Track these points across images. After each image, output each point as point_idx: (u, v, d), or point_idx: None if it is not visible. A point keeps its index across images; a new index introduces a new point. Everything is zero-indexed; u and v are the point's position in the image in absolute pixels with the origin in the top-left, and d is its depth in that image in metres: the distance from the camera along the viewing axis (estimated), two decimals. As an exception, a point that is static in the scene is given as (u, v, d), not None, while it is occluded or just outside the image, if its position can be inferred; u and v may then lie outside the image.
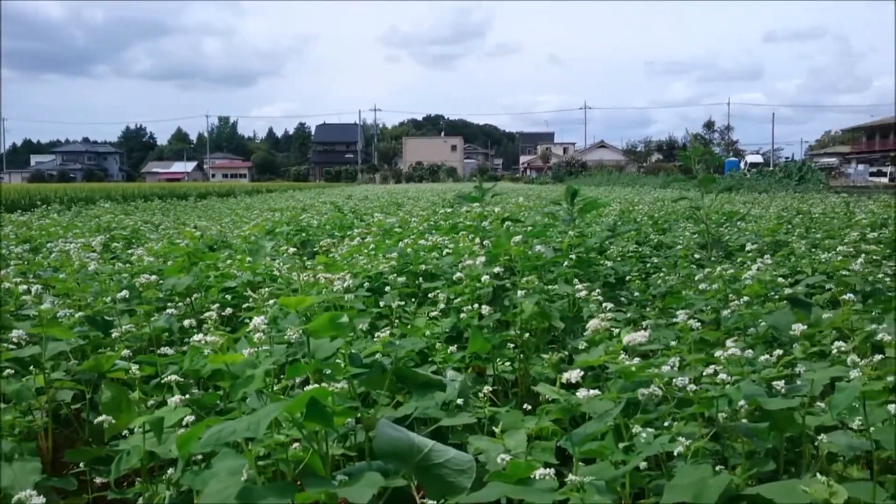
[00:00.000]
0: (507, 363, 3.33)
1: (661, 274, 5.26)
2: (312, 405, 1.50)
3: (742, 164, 73.42)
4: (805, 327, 2.35)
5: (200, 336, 1.80)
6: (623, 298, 4.84)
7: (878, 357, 1.83)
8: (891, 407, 1.63)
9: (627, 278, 5.56)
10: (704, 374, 2.05)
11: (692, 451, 2.00)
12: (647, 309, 5.00)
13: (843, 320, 3.01)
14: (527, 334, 3.49)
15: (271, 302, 2.92)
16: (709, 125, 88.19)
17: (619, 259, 6.99)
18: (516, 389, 3.42)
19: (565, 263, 4.12)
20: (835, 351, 2.12)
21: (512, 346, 3.44)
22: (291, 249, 3.68)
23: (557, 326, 3.62)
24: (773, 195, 23.74)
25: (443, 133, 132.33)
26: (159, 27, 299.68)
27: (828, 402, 1.94)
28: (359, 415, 2.77)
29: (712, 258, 5.97)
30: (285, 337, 1.91)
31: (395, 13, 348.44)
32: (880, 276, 3.94)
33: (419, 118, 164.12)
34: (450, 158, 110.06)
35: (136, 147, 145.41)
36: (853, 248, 6.99)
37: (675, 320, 3.93)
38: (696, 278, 3.92)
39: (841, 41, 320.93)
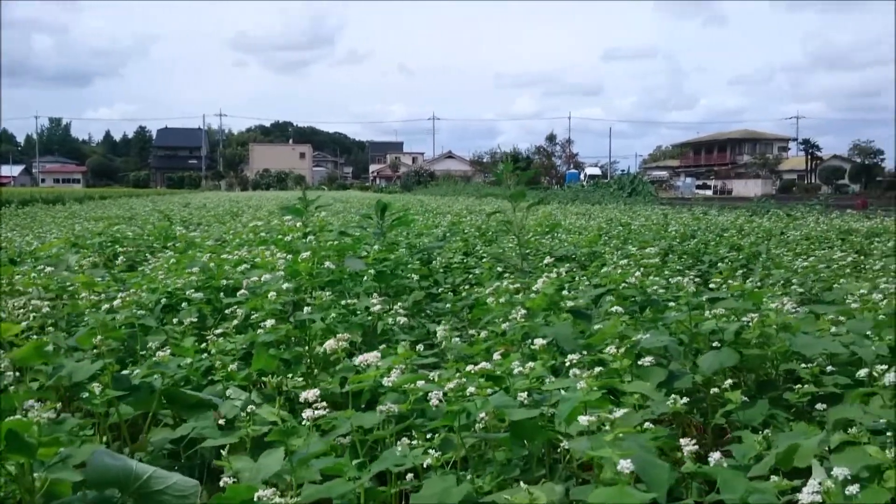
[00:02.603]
0: (300, 379, 3.33)
1: (468, 287, 5.44)
2: (11, 437, 1.46)
3: (582, 176, 76.64)
4: (545, 342, 2.50)
5: None
6: (429, 311, 4.96)
7: (598, 369, 1.98)
8: (591, 416, 1.77)
9: (440, 290, 5.71)
10: (450, 387, 2.14)
11: (442, 462, 2.09)
12: (458, 321, 5.17)
13: (611, 331, 3.23)
14: (320, 349, 3.52)
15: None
16: (551, 138, 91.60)
17: (441, 270, 7.16)
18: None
19: (365, 277, 4.18)
20: (567, 362, 2.27)
21: (307, 361, 3.46)
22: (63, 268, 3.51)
23: (355, 341, 3.66)
24: (605, 206, 24.97)
25: (291, 140, 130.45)
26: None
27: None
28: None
29: (525, 269, 6.22)
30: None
31: (243, 17, 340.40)
32: (654, 287, 4.23)
33: (267, 124, 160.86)
34: (298, 166, 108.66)
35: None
36: (656, 260, 7.49)
37: (471, 332, 4.09)
38: (488, 291, 4.08)
39: (671, 61, 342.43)
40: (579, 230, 11.57)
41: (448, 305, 5.14)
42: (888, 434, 2.03)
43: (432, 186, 70.15)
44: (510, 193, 5.94)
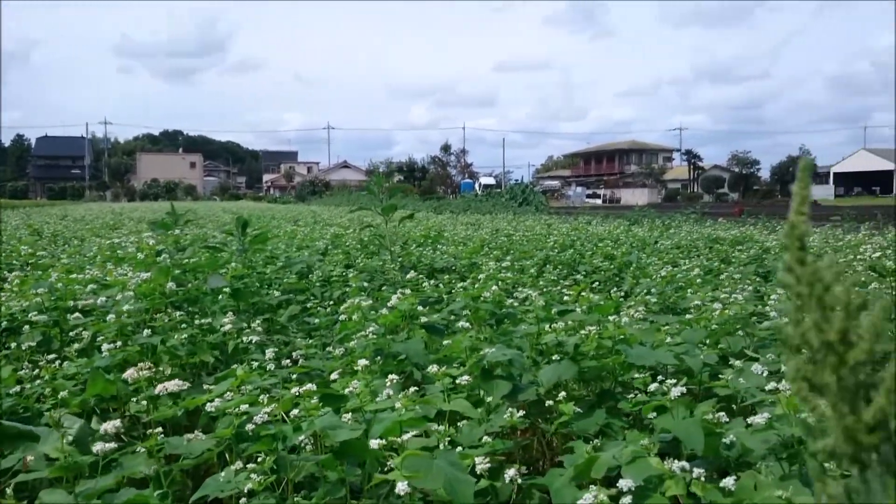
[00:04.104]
0: (144, 403, 3.24)
1: (332, 304, 5.41)
2: None
3: (476, 186, 77.54)
4: (367, 361, 2.52)
5: None
6: (293, 327, 4.91)
7: (413, 389, 2.02)
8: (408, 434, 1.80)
9: (310, 305, 5.66)
10: (267, 411, 2.13)
11: (266, 486, 2.08)
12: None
13: (458, 346, 3.28)
14: (169, 370, 3.43)
15: None
16: (446, 148, 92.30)
17: (318, 284, 7.11)
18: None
19: (220, 296, 4.11)
20: (388, 381, 2.30)
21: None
22: None
23: (207, 361, 3.60)
24: (495, 216, 25.28)
25: (181, 149, 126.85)
26: None
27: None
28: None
29: (399, 283, 6.24)
30: None
31: (128, 21, 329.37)
32: (510, 301, 4.33)
33: (156, 133, 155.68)
34: (189, 175, 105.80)
35: None
36: (533, 271, 7.66)
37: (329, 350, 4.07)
38: (342, 308, 4.08)
39: (563, 73, 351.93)
40: (464, 241, 11.67)
41: (317, 321, 5.10)
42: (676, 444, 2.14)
43: (327, 196, 69.53)
44: (383, 207, 5.96)
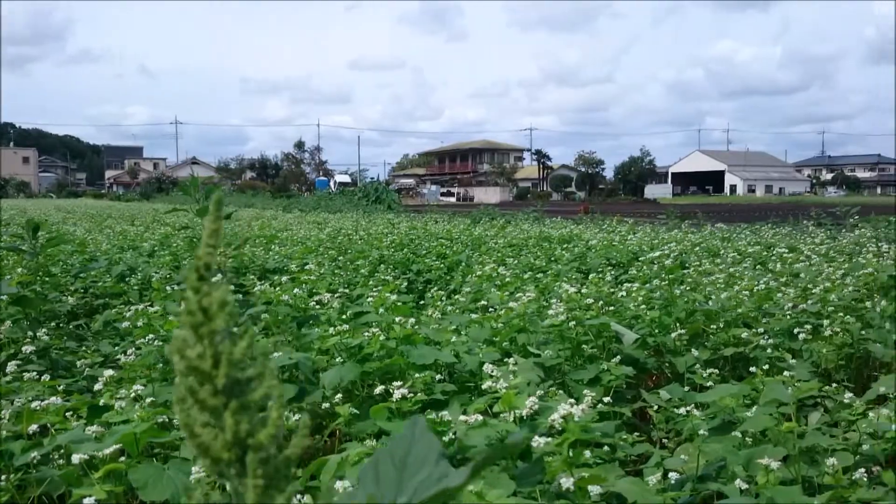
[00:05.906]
0: None
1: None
2: None
3: (332, 184, 76.98)
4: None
5: None
6: (88, 335, 4.73)
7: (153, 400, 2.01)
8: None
9: (115, 311, 5.45)
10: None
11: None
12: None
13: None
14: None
15: None
16: (300, 145, 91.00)
17: (137, 287, 6.87)
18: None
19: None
20: (132, 392, 2.28)
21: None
22: None
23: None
24: (344, 215, 25.12)
25: (12, 143, 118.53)
26: None
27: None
28: None
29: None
30: None
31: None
32: (312, 303, 4.34)
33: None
34: (21, 172, 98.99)
35: None
36: (364, 271, 7.70)
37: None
38: (127, 313, 3.97)
39: (417, 73, 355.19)
40: (302, 241, 11.54)
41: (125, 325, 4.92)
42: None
43: (174, 194, 66.84)
44: (197, 209, 5.81)
